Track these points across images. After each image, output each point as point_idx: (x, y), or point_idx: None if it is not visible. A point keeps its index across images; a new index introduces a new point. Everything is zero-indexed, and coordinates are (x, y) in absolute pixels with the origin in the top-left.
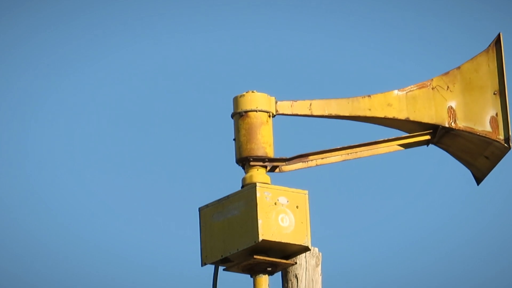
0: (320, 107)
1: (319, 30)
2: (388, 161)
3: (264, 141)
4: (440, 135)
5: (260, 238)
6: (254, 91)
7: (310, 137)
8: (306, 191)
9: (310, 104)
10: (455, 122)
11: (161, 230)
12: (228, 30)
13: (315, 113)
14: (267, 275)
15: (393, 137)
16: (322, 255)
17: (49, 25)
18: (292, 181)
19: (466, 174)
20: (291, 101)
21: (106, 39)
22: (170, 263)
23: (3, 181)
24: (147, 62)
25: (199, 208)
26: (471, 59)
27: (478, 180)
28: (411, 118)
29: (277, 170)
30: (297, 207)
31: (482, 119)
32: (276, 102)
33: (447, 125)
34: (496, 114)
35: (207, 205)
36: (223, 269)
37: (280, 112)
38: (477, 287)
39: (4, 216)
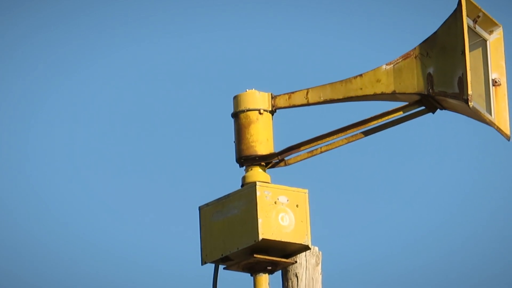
0: (316, 94)
1: (318, 29)
2: (388, 160)
3: (253, 140)
4: (432, 102)
5: (260, 237)
6: (248, 90)
7: (316, 127)
8: (306, 190)
9: (307, 93)
10: (432, 88)
11: (161, 230)
12: (228, 30)
13: (311, 101)
14: (267, 274)
15: (381, 112)
16: (322, 254)
17: (49, 25)
18: (293, 180)
19: (465, 171)
20: (288, 94)
21: (106, 39)
22: (170, 262)
23: (3, 181)
24: (147, 62)
25: (199, 207)
26: (445, 21)
27: (505, 136)
28: (397, 91)
29: (281, 164)
30: (297, 206)
31: (453, 81)
32: (273, 97)
33: (426, 93)
34: (462, 74)
35: (207, 204)
36: (223, 268)
37: (278, 106)
38: (479, 286)
39: (4, 216)
